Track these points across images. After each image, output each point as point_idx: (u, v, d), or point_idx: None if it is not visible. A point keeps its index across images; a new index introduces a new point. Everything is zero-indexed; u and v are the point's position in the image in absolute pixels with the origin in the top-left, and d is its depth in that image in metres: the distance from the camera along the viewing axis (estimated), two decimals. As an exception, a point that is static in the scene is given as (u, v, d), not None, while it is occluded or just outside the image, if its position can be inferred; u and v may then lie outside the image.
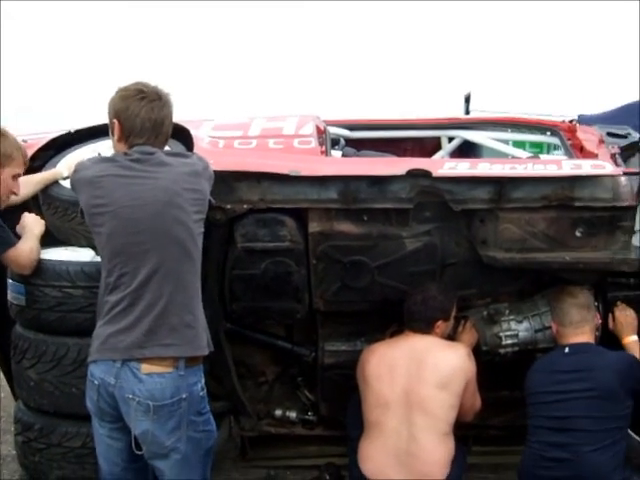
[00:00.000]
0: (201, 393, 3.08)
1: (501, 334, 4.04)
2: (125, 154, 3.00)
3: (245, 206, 3.70)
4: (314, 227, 3.79)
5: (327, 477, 4.31)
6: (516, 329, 4.06)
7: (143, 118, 2.97)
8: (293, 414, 4.41)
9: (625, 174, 3.88)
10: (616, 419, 3.61)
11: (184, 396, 2.98)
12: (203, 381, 3.11)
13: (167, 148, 3.23)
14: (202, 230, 3.04)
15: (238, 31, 10.98)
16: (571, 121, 4.73)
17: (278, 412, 4.41)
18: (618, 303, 4.02)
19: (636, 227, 4.01)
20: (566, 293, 3.88)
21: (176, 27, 10.99)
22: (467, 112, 5.61)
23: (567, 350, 3.76)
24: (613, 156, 4.13)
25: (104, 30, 10.88)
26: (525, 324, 4.08)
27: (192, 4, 11.15)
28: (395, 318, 4.00)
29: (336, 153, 4.35)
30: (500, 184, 3.75)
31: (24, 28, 10.70)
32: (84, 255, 3.74)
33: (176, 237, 2.91)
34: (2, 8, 9.57)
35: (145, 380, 2.91)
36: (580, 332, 3.78)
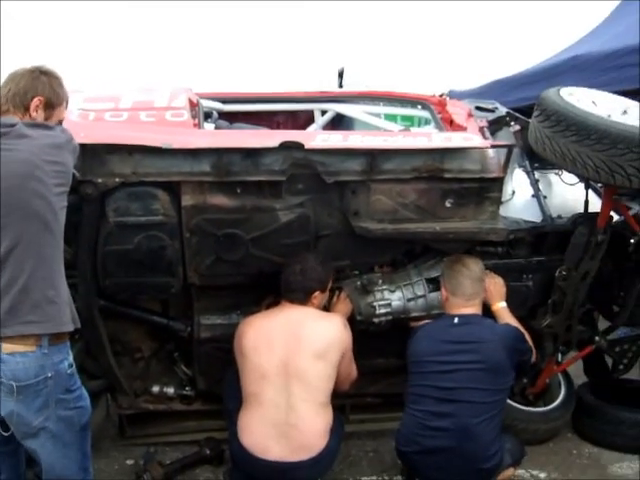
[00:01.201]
0: (69, 371, 3.01)
1: (375, 304, 4.10)
2: None
3: (117, 180, 3.61)
4: (187, 200, 3.73)
5: (207, 452, 4.31)
6: (389, 298, 4.13)
7: (6, 89, 2.98)
8: (171, 390, 4.38)
9: (493, 147, 4.00)
10: (500, 391, 3.69)
11: (49, 375, 2.91)
12: (71, 358, 3.04)
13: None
14: (65, 204, 2.95)
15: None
16: (441, 95, 4.83)
17: (155, 388, 4.37)
18: (487, 271, 4.11)
19: (503, 198, 4.15)
20: (462, 264, 3.93)
21: (177, 28, 10.87)
22: (340, 86, 5.64)
23: (457, 320, 3.83)
24: (481, 129, 4.26)
25: (104, 30, 10.69)
26: (398, 293, 4.15)
27: (193, 4, 11.05)
28: (270, 290, 4.01)
29: (209, 126, 4.30)
30: (372, 156, 3.80)
31: (24, 28, 10.44)
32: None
33: (36, 211, 2.82)
34: (2, 8, 9.37)
35: (7, 360, 2.83)
36: (471, 304, 3.87)
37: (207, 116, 4.40)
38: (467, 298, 3.86)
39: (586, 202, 4.16)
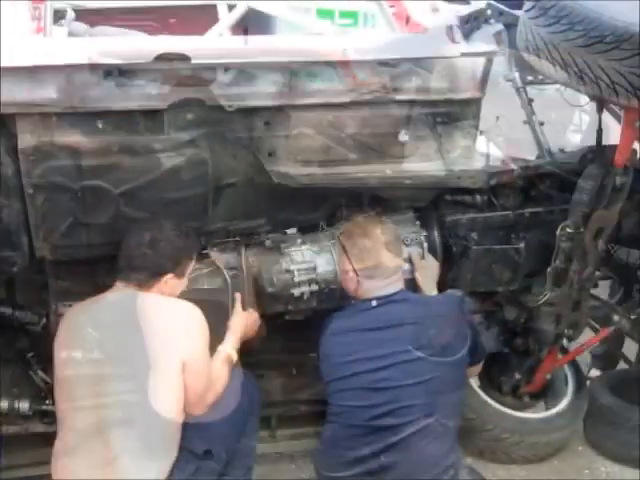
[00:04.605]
0: None
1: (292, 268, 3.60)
2: None
3: None
4: (26, 141, 3.07)
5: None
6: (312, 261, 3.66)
7: None
8: (25, 405, 3.69)
9: (465, 55, 3.38)
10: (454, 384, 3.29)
11: None
12: None
13: None
14: None
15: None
16: (395, -19, 4.28)
17: (4, 404, 3.67)
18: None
19: (482, 127, 3.63)
20: (368, 238, 3.31)
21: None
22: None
23: (374, 303, 3.29)
24: (450, 29, 3.56)
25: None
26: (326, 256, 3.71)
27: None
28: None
29: (60, 31, 3.63)
30: (291, 71, 3.21)
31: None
32: None
33: None
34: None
35: None
36: (392, 281, 3.35)
37: (59, 17, 3.72)
38: (388, 276, 3.31)
39: (599, 131, 3.51)
